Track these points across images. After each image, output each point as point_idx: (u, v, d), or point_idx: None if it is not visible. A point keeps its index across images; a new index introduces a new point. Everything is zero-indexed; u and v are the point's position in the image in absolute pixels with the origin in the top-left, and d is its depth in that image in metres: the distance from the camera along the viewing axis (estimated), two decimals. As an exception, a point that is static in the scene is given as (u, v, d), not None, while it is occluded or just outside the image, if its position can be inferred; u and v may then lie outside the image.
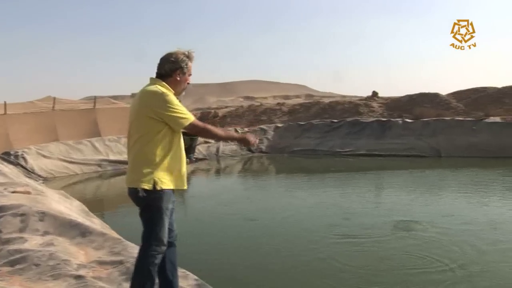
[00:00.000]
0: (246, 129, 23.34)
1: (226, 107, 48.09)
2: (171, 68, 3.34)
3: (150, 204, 3.23)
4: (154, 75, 3.42)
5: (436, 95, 26.58)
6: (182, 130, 3.39)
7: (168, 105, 3.18)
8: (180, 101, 3.38)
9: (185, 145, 3.49)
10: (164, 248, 3.31)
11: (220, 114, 32.24)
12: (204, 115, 31.98)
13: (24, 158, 15.23)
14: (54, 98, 20.33)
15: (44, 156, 16.04)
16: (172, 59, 3.35)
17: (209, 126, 3.44)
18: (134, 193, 3.24)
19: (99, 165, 16.83)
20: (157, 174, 3.20)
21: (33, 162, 15.39)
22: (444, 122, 19.59)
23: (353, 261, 6.25)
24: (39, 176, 14.95)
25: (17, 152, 15.47)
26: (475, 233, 7.33)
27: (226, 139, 3.63)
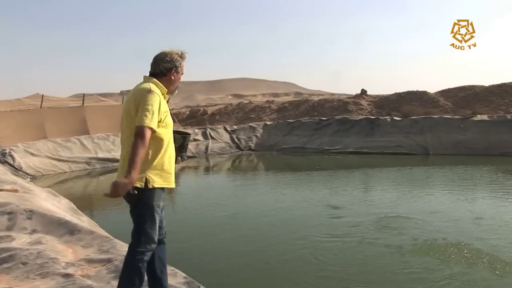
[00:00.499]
0: (235, 127, 23.35)
1: (215, 104, 48.16)
2: (167, 68, 3.39)
3: (142, 202, 3.23)
4: (146, 73, 3.44)
5: (424, 93, 26.75)
6: (174, 129, 3.42)
7: (146, 102, 3.15)
8: (168, 100, 3.41)
9: (176, 143, 3.49)
10: (154, 246, 3.31)
11: (209, 112, 32.21)
12: (193, 113, 31.94)
13: (11, 156, 15.12)
14: (42, 96, 20.22)
15: (32, 154, 15.95)
16: (168, 59, 3.39)
17: (141, 147, 3.07)
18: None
19: (88, 163, 16.77)
20: (148, 172, 3.21)
21: (21, 159, 15.29)
22: (432, 120, 19.74)
23: (338, 260, 6.28)
24: (27, 174, 14.85)
25: (5, 149, 15.35)
26: (463, 230, 7.39)
27: (135, 158, 3.05)
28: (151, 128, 3.11)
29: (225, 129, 22.73)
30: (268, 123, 23.99)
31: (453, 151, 17.71)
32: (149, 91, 3.21)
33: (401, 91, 27.72)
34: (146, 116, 3.12)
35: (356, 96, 29.43)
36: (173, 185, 3.42)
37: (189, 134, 3.75)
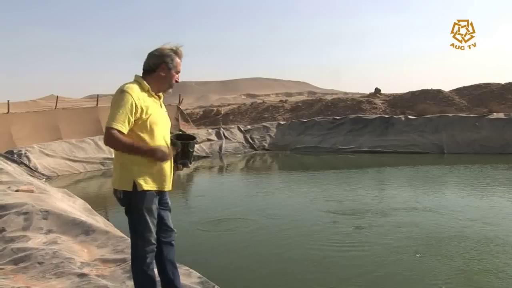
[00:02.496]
0: (249, 127, 23.34)
1: (229, 104, 48.15)
2: (155, 63, 3.21)
3: (132, 206, 3.18)
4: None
5: (438, 92, 26.59)
6: (176, 132, 3.36)
7: (116, 102, 3.05)
8: (162, 99, 3.33)
9: (177, 149, 3.39)
10: (153, 247, 3.27)
11: (222, 112, 32.26)
12: (206, 113, 32.01)
13: (27, 157, 15.24)
14: (57, 97, 20.38)
15: (47, 155, 16.06)
16: (156, 53, 3.22)
17: (119, 146, 3.09)
18: (116, 194, 3.21)
19: (102, 163, 16.84)
20: (135, 175, 3.12)
21: (36, 160, 15.41)
22: (447, 118, 19.55)
23: (351, 266, 6.25)
24: (42, 174, 14.97)
25: (20, 150, 15.48)
26: (483, 232, 7.31)
27: (131, 152, 3.12)
28: (116, 129, 3.00)
29: (239, 129, 22.71)
30: (282, 122, 23.92)
31: (468, 149, 17.52)
32: (122, 91, 3.07)
33: (415, 89, 27.59)
34: (111, 117, 3.03)
35: (370, 95, 29.31)
36: (167, 188, 3.32)
37: (193, 139, 3.60)
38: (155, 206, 3.26)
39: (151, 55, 3.25)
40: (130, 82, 3.18)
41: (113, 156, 3.32)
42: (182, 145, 3.44)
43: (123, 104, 3.02)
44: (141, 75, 3.27)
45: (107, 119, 3.05)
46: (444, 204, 9.25)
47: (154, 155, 3.12)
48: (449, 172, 14.08)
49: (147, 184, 3.16)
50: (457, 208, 8.87)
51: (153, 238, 3.26)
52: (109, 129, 3.01)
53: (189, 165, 3.54)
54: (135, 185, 3.11)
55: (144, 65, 3.26)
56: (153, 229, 3.26)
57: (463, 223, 7.76)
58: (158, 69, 3.22)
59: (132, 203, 3.17)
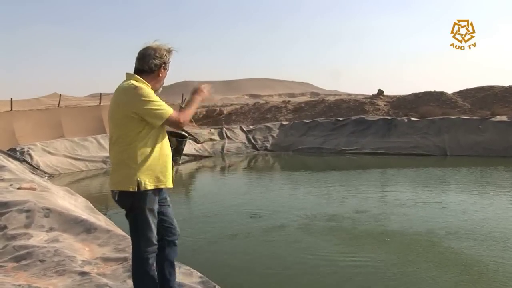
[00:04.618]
0: (251, 127, 23.33)
1: (231, 104, 48.10)
2: (156, 64, 3.25)
3: (135, 206, 3.17)
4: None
5: (441, 94, 26.52)
6: (169, 130, 3.34)
7: (143, 98, 3.07)
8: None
9: (171, 146, 3.38)
10: (154, 247, 3.27)
11: (225, 112, 32.24)
12: (209, 113, 31.99)
13: (29, 155, 15.26)
14: (60, 95, 20.40)
15: (50, 153, 16.07)
16: (157, 55, 3.25)
17: (184, 113, 3.28)
18: (117, 196, 3.18)
19: (105, 162, 16.83)
20: (139, 175, 3.10)
21: (39, 158, 15.42)
22: (450, 120, 19.49)
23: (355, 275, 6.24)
24: (45, 172, 14.98)
25: (23, 148, 15.50)
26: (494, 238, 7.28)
27: (197, 106, 3.44)
28: (171, 115, 3.13)
29: (241, 129, 22.70)
30: (284, 123, 23.88)
31: (471, 152, 17.46)
32: (136, 87, 3.10)
33: (417, 91, 27.55)
34: (159, 107, 3.11)
35: (373, 96, 29.25)
36: (169, 185, 3.31)
37: (186, 137, 3.62)
38: (156, 206, 3.26)
39: (150, 56, 3.25)
40: (131, 81, 3.18)
41: (111, 157, 3.27)
42: (177, 143, 3.47)
43: (152, 95, 3.14)
44: (132, 73, 3.28)
45: (152, 116, 3.10)
46: (448, 204, 9.24)
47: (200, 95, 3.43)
48: (453, 174, 14.04)
49: (151, 183, 3.15)
50: (460, 207, 8.87)
51: (155, 239, 3.26)
52: (169, 118, 3.14)
53: (179, 162, 3.58)
54: (139, 185, 3.10)
55: (140, 65, 3.26)
56: (155, 229, 3.26)
57: (472, 223, 7.75)
58: (157, 70, 3.27)
59: (135, 203, 3.15)
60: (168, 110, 3.13)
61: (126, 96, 3.10)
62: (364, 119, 22.02)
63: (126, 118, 3.10)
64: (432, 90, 27.11)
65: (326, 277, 5.71)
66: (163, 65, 3.28)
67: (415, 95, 27.02)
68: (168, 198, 3.45)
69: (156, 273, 3.34)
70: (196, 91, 3.42)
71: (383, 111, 25.64)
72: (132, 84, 3.13)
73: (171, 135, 3.46)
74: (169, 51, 3.32)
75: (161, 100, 3.15)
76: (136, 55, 3.30)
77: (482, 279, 5.49)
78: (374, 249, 6.65)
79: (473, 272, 5.69)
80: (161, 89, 3.41)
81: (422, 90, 27.34)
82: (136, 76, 3.22)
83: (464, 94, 26.68)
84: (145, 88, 3.13)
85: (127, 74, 3.28)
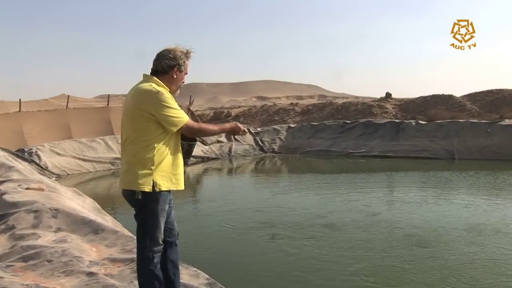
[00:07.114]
0: (259, 129, 23.34)
1: (239, 106, 48.23)
2: (169, 65, 3.25)
3: (147, 206, 3.18)
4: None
5: (450, 97, 26.46)
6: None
7: (163, 103, 3.10)
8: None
9: (182, 149, 3.40)
10: (160, 247, 3.29)
11: (233, 114, 32.31)
12: (217, 115, 32.08)
13: (38, 155, 15.34)
14: (68, 96, 20.46)
15: (58, 154, 16.15)
16: (171, 56, 3.25)
17: (203, 125, 3.44)
18: (130, 195, 3.18)
19: (112, 163, 16.89)
20: (155, 176, 3.13)
21: (47, 159, 15.50)
22: (458, 124, 19.42)
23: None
24: (53, 173, 15.05)
25: (31, 149, 15.58)
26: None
27: (220, 133, 3.55)
28: (187, 122, 3.20)
29: (249, 131, 22.70)
30: (292, 125, 23.89)
31: (480, 156, 17.39)
32: (158, 92, 3.13)
33: (426, 94, 27.49)
34: (177, 115, 3.16)
35: (381, 99, 29.22)
36: (182, 187, 3.34)
37: (195, 140, 3.62)
38: (167, 207, 3.28)
39: (164, 57, 3.26)
40: (151, 83, 3.21)
41: (123, 155, 3.29)
42: (188, 146, 3.48)
43: (172, 102, 3.18)
44: (149, 74, 3.30)
45: (169, 122, 3.15)
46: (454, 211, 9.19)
47: (234, 129, 3.53)
48: (463, 178, 13.96)
49: (165, 184, 3.19)
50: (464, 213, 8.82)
51: (161, 239, 3.28)
52: (186, 125, 3.21)
53: (188, 163, 3.61)
54: (154, 186, 3.13)
55: (155, 66, 3.28)
56: (162, 229, 3.28)
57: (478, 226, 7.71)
58: (171, 72, 3.27)
59: (148, 203, 3.17)
60: (184, 118, 3.19)
61: (147, 99, 3.13)
62: (372, 122, 22.00)
63: (144, 120, 3.11)
64: (441, 93, 27.06)
65: (336, 280, 5.69)
66: (177, 66, 3.28)
67: (423, 98, 26.97)
68: (172, 201, 3.46)
69: (161, 272, 3.34)
70: (235, 123, 3.56)
71: (391, 114, 25.62)
72: (154, 88, 3.15)
73: (181, 138, 3.46)
74: (186, 53, 3.33)
75: (179, 108, 3.19)
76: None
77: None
78: (380, 252, 6.63)
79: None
80: (178, 91, 3.42)
81: (431, 93, 27.30)
82: (155, 78, 3.24)
83: (473, 97, 26.60)
84: (166, 93, 3.16)
85: (144, 75, 3.30)
